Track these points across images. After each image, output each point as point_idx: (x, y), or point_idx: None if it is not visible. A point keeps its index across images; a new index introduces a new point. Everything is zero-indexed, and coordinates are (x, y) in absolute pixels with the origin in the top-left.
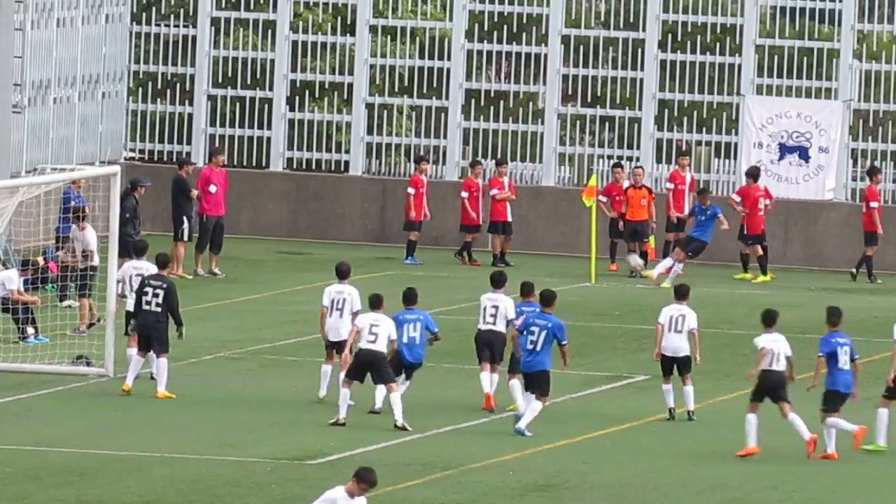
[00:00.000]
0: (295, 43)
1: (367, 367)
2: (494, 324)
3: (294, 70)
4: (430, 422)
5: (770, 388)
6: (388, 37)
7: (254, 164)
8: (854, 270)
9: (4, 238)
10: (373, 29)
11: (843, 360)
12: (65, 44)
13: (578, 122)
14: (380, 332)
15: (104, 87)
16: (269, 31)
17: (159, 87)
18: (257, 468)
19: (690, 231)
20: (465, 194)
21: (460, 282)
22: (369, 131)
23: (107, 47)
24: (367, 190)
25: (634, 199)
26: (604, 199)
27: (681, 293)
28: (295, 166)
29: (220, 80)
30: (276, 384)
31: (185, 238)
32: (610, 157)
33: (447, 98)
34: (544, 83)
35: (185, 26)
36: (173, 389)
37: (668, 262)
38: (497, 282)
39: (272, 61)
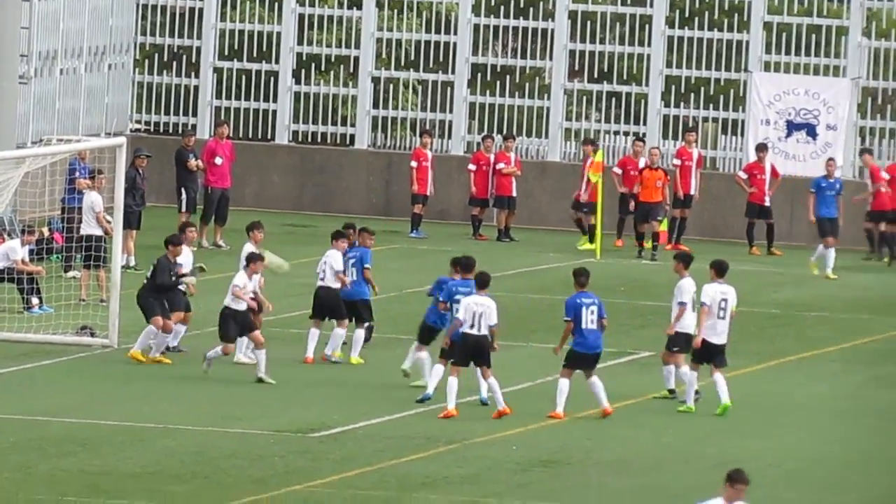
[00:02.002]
0: (301, 16)
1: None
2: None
3: (300, 43)
4: (439, 396)
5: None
6: (395, 11)
7: (259, 136)
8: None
9: (10, 209)
10: (379, 3)
11: (590, 320)
12: (71, 15)
13: (585, 98)
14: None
15: (110, 59)
16: (276, 4)
17: (165, 59)
18: (260, 440)
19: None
20: (472, 167)
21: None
22: (375, 105)
23: (113, 19)
24: (372, 163)
25: (650, 180)
26: (618, 170)
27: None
28: (300, 139)
29: (226, 53)
30: (280, 357)
31: (184, 209)
32: (617, 133)
33: (453, 72)
34: (551, 58)
35: None
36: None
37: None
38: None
39: (278, 34)
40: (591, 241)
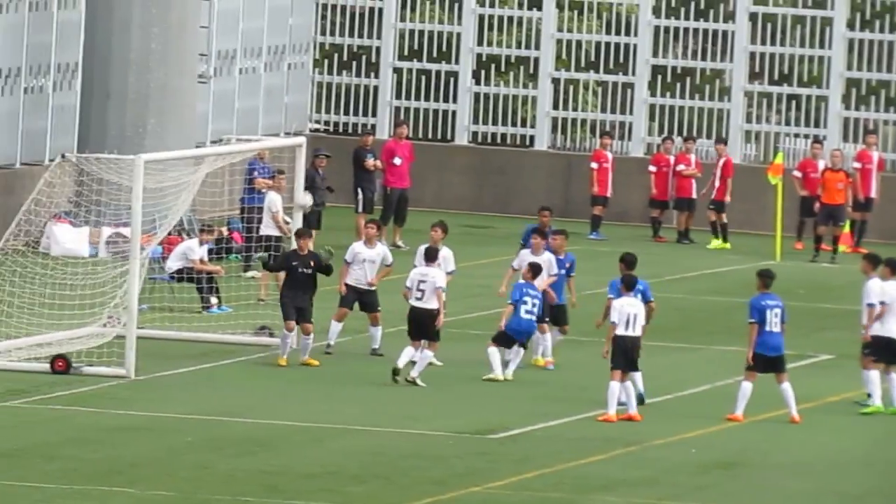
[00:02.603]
0: (481, 17)
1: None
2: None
3: (480, 44)
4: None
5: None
6: (575, 11)
7: (438, 137)
8: None
9: (189, 208)
10: (559, 3)
11: (774, 322)
12: (251, 14)
13: (765, 100)
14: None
15: (290, 58)
16: (456, 5)
17: (345, 58)
18: (439, 441)
19: None
20: (652, 168)
21: (645, 258)
22: (554, 106)
23: (293, 18)
24: (551, 165)
25: (831, 181)
26: (798, 174)
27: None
28: (480, 140)
29: (405, 53)
30: (459, 358)
31: (360, 209)
32: (797, 136)
33: (633, 74)
34: (731, 60)
35: None
36: (350, 362)
37: None
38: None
39: (458, 35)
40: (725, 240)
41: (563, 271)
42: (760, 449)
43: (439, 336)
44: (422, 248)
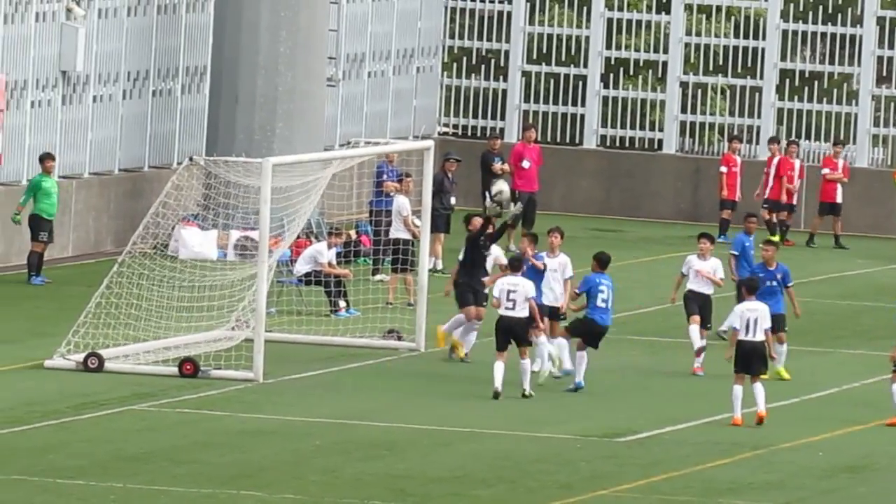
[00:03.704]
0: (610, 20)
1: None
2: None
3: (608, 47)
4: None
5: None
6: (703, 15)
7: (567, 140)
8: None
9: (317, 211)
10: (688, 7)
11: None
12: (380, 18)
13: (892, 104)
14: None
15: (418, 62)
16: (585, 8)
17: (473, 62)
18: (566, 445)
19: None
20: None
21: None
22: (683, 110)
23: (422, 22)
24: (680, 168)
25: None
26: None
27: None
28: (608, 144)
29: (534, 57)
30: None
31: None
32: None
33: (761, 77)
34: (858, 64)
35: (500, 2)
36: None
37: None
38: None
39: (587, 38)
40: (783, 239)
41: (774, 282)
42: (887, 452)
43: (531, 342)
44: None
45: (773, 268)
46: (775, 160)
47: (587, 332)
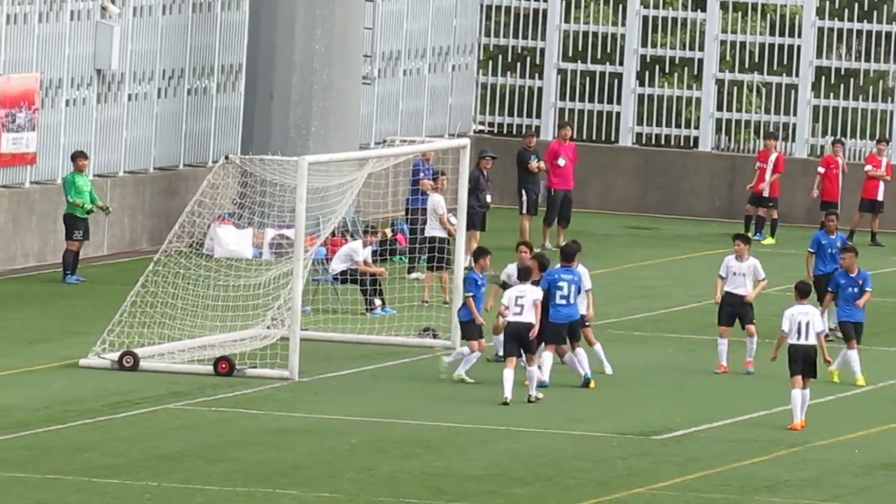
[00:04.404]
0: (645, 18)
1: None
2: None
3: (644, 45)
4: (778, 398)
5: None
6: (739, 13)
7: (602, 138)
8: None
9: (353, 210)
10: (723, 5)
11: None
12: (415, 15)
13: None
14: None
15: (454, 60)
16: (620, 6)
17: (509, 60)
18: (602, 443)
19: None
20: (821, 170)
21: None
22: (719, 107)
23: (457, 20)
24: (715, 166)
25: None
26: None
27: None
28: (644, 141)
29: (570, 54)
30: (621, 359)
31: (524, 211)
32: None
33: (797, 75)
34: (895, 62)
35: (535, 0)
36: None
37: None
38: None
39: (622, 36)
40: (773, 236)
41: (855, 289)
42: None
43: (537, 348)
44: (511, 267)
45: (855, 274)
46: (773, 156)
47: (549, 333)
